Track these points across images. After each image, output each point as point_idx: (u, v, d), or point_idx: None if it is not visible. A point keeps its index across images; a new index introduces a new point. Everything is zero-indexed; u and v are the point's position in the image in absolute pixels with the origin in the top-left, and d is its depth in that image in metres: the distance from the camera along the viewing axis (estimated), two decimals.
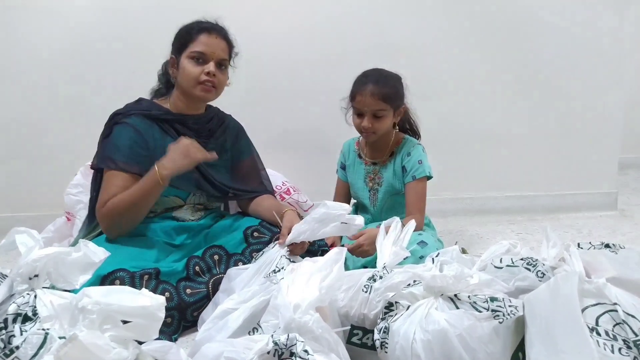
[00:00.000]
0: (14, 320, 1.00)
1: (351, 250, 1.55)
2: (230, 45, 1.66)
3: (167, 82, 1.73)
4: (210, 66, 1.57)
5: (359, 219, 1.40)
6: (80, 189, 1.97)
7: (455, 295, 1.07)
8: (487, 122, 2.53)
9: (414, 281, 1.14)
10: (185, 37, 1.60)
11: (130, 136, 1.54)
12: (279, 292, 0.97)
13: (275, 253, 1.40)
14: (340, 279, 1.03)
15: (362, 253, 1.57)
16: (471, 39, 2.44)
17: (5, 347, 0.95)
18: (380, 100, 1.70)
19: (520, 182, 2.61)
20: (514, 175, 2.60)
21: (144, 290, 0.89)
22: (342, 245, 1.62)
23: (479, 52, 2.46)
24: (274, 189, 2.00)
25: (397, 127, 1.84)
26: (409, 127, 1.93)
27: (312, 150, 2.43)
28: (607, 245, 1.28)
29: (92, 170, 1.65)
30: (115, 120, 1.59)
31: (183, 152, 1.48)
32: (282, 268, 1.25)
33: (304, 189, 2.21)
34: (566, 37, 2.47)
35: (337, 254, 1.05)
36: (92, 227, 1.63)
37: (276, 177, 2.17)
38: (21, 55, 2.27)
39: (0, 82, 2.29)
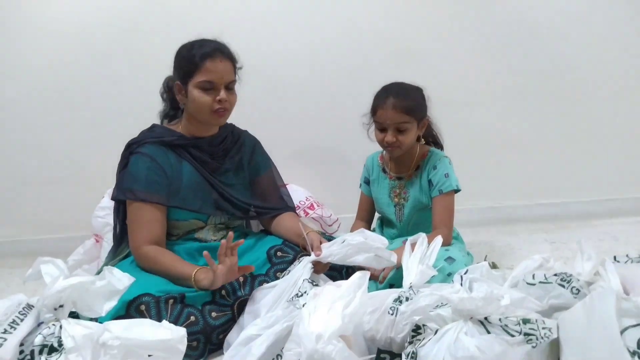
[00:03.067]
0: (40, 352, 1.02)
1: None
2: (234, 63, 1.61)
3: (171, 100, 1.70)
4: (222, 93, 1.53)
5: (393, 256, 1.38)
6: (107, 211, 1.99)
7: (486, 318, 1.02)
8: (516, 129, 2.49)
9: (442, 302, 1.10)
10: (189, 66, 1.54)
11: (147, 165, 1.54)
12: (301, 321, 0.95)
13: (299, 272, 1.38)
14: (363, 305, 1.00)
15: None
16: (497, 45, 2.42)
17: None
18: (402, 113, 1.65)
19: (552, 189, 2.55)
20: (544, 182, 2.54)
21: (164, 322, 0.89)
22: None
23: (505, 59, 2.43)
24: (298, 204, 1.99)
25: (422, 140, 1.80)
26: (432, 140, 1.88)
27: (336, 165, 2.42)
28: None
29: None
30: (131, 150, 1.59)
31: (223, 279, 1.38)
32: (305, 292, 1.23)
33: (327, 203, 2.19)
34: (594, 41, 2.43)
35: (359, 279, 1.03)
36: (118, 253, 1.65)
37: (299, 192, 2.16)
38: (46, 79, 2.32)
39: (28, 106, 2.34)
